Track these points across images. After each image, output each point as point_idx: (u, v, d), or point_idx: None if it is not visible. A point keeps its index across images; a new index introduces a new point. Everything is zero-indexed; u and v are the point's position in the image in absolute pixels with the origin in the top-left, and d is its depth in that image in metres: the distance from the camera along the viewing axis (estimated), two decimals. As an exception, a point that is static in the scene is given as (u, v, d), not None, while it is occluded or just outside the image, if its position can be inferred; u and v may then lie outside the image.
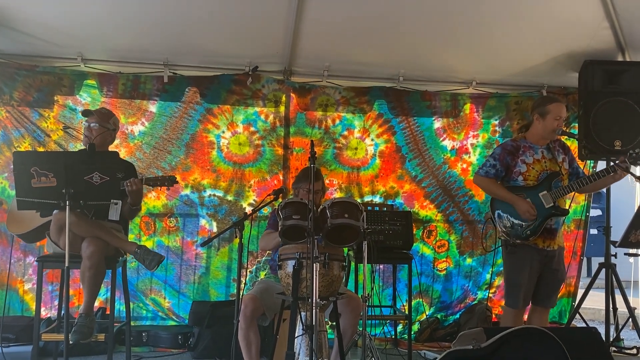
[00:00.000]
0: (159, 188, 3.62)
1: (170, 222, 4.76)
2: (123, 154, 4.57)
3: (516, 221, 3.71)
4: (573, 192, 3.85)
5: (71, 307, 3.70)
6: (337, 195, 4.88)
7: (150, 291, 4.74)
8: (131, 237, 4.45)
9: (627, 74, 4.44)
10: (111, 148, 3.90)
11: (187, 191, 4.75)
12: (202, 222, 4.78)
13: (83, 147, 4.07)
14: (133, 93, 4.65)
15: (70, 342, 3.20)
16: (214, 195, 4.78)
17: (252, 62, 4.65)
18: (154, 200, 4.72)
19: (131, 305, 4.16)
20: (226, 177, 4.79)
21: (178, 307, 4.77)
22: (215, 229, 4.74)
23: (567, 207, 3.82)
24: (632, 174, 3.74)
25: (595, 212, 7.52)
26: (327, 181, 4.82)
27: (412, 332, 4.56)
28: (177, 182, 3.56)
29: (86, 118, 3.82)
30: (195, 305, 4.61)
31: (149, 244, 4.64)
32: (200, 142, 4.76)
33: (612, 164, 3.68)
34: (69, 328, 3.19)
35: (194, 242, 4.78)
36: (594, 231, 6.41)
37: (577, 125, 4.79)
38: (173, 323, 4.73)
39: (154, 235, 4.74)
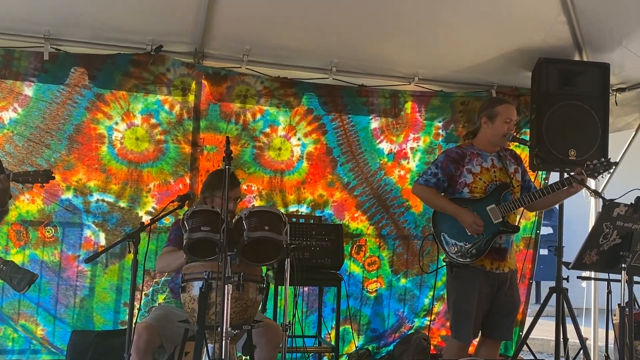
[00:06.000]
0: (32, 187, 3.45)
1: (47, 232, 4.59)
2: (-12, 146, 4.39)
3: (461, 243, 3.79)
4: (522, 208, 3.97)
5: None
6: (257, 203, 4.86)
7: (19, 316, 4.55)
8: (-4, 249, 4.28)
9: (584, 75, 4.65)
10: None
11: (69, 194, 4.60)
12: (87, 232, 4.65)
13: None
14: (4, 72, 4.46)
15: None
16: (103, 200, 4.65)
17: (155, 40, 4.55)
18: (27, 204, 4.52)
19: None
20: (119, 178, 4.67)
21: (54, 336, 4.60)
22: (103, 242, 4.63)
23: (517, 224, 3.93)
24: (588, 188, 3.89)
25: (545, 230, 7.85)
26: (244, 187, 4.82)
27: (340, 367, 4.59)
28: (53, 178, 3.41)
29: None
30: (76, 335, 4.46)
31: (19, 258, 4.46)
32: (87, 135, 4.62)
33: (566, 176, 3.83)
34: None
35: (76, 257, 4.63)
36: (543, 251, 6.66)
37: (528, 131, 4.99)
38: (48, 357, 4.56)
39: (27, 247, 4.56)
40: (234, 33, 4.58)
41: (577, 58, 4.81)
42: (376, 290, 5.18)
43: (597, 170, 3.80)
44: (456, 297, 3.85)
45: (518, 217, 4.00)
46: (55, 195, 4.55)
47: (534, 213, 5.24)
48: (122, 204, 4.67)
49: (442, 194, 3.93)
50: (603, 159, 3.86)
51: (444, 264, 3.93)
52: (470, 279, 3.77)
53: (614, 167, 3.97)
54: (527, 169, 4.89)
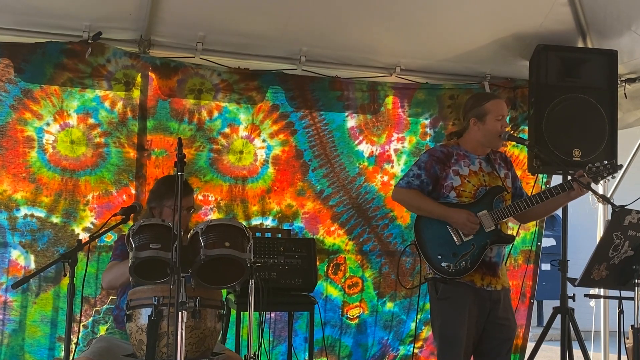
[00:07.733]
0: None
1: (-36, 256, 4.55)
2: None
3: (449, 254, 3.77)
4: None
5: None
6: (215, 216, 4.85)
7: None
8: None
9: (589, 64, 4.72)
10: None
11: (-8, 209, 4.56)
12: (13, 254, 4.57)
13: None
14: None
15: None
16: (32, 215, 4.59)
17: (92, 25, 4.53)
18: (-63, 222, 4.48)
19: None
20: (51, 189, 4.62)
21: (-26, 380, 4.53)
22: (33, 266, 4.56)
23: (511, 234, 3.93)
24: (594, 192, 3.90)
25: (548, 242, 7.92)
26: (199, 196, 4.81)
27: (314, 406, 4.60)
28: None
29: None
30: (1, 376, 4.42)
31: None
32: (12, 138, 4.56)
33: (569, 178, 3.84)
34: None
35: (0, 285, 4.54)
36: (546, 266, 6.68)
37: (526, 128, 5.02)
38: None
39: (-62, 274, 4.50)
40: (186, 17, 4.58)
41: (580, 45, 4.88)
42: (358, 317, 5.16)
43: (600, 173, 3.81)
44: (442, 321, 3.82)
45: (516, 227, 3.98)
46: (-26, 211, 4.50)
47: (533, 222, 5.24)
48: (55, 220, 4.61)
49: None
50: (607, 162, 3.88)
51: (425, 280, 3.88)
52: (458, 299, 3.75)
53: (619, 170, 4.00)
54: (526, 171, 4.95)
